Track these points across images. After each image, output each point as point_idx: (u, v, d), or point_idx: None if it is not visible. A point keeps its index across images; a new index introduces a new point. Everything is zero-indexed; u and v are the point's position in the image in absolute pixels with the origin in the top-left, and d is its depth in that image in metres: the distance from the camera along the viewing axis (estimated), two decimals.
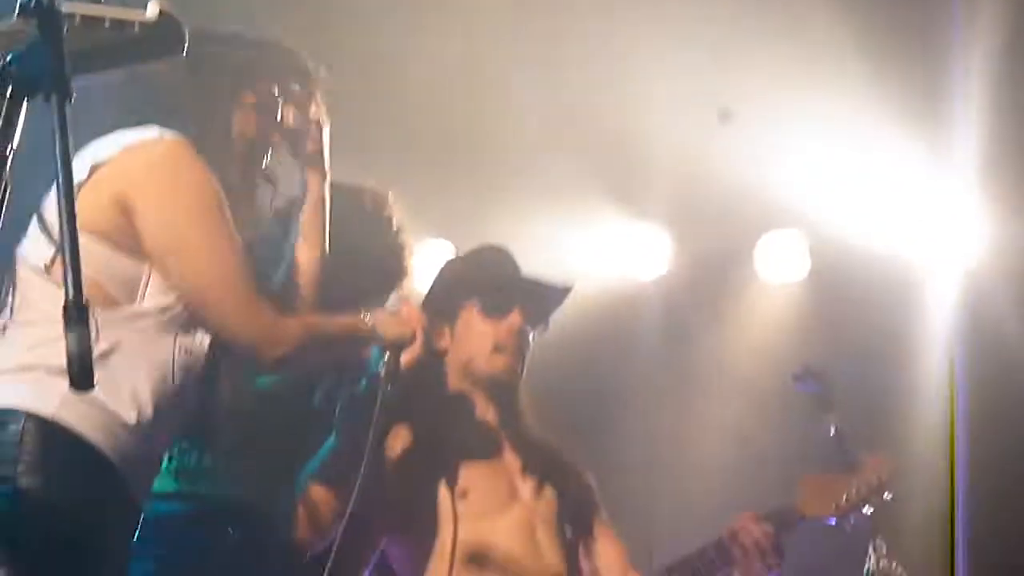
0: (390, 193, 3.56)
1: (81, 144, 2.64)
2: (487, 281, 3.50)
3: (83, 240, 2.51)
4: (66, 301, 1.76)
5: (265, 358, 2.73)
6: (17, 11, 1.79)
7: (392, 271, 3.44)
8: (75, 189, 2.51)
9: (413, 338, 3.03)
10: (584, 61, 5.35)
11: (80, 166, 2.59)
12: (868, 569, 3.39)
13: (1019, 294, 5.47)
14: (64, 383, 1.75)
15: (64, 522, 2.41)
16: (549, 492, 3.45)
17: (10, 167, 1.78)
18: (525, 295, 3.49)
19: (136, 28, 1.91)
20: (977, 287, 5.52)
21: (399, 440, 3.37)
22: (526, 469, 3.44)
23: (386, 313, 3.07)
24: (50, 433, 2.44)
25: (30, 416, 2.43)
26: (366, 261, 3.40)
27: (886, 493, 3.43)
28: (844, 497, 3.40)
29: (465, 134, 5.44)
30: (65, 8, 1.81)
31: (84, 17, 1.85)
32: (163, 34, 1.94)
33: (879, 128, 5.26)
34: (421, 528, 3.30)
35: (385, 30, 5.15)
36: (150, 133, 2.67)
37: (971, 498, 5.30)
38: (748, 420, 5.60)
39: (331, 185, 3.41)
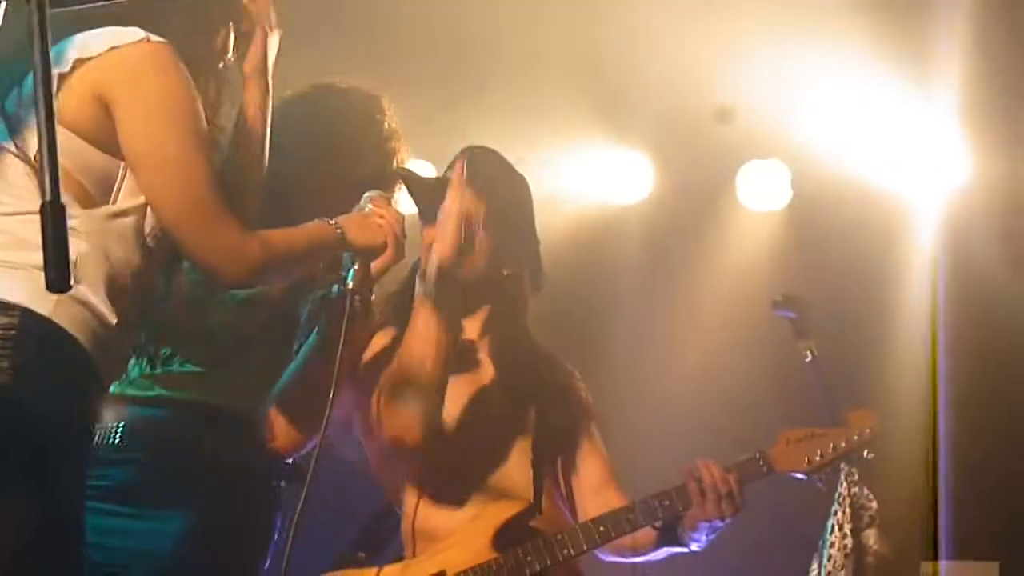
0: (384, 97, 3.50)
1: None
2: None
3: (61, 135, 2.49)
4: (43, 202, 1.74)
5: (225, 279, 2.69)
6: None
7: (379, 176, 3.37)
8: (57, 82, 2.49)
9: (384, 246, 2.96)
10: None
11: (64, 59, 2.55)
12: (839, 495, 3.35)
13: (1000, 225, 5.49)
14: None
15: (42, 421, 2.40)
16: (528, 413, 3.39)
17: None
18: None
19: None
20: (958, 218, 5.54)
21: (383, 339, 3.32)
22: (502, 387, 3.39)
23: (356, 218, 2.96)
24: (45, 333, 2.41)
25: (27, 313, 2.40)
26: (353, 163, 3.36)
27: (866, 452, 3.31)
28: (819, 454, 3.29)
29: (449, 54, 5.40)
30: None
31: None
32: None
33: (862, 57, 5.25)
34: None
35: None
36: (135, 34, 2.62)
37: (952, 426, 5.34)
38: (728, 346, 5.62)
39: (323, 86, 3.36)
